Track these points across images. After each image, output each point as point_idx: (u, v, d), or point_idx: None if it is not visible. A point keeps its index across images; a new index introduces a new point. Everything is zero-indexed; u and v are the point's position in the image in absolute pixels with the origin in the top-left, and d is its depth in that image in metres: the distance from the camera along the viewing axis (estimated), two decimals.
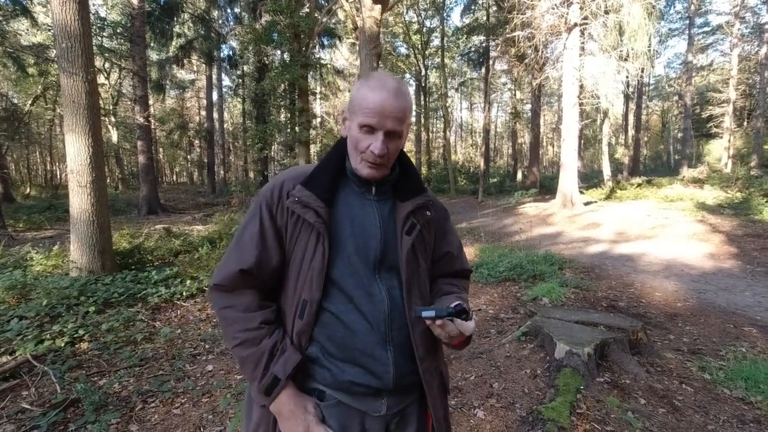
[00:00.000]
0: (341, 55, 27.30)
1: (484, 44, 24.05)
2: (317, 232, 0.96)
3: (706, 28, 26.70)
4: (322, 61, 18.24)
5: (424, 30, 26.59)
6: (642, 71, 12.66)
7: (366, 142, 0.96)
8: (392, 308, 0.98)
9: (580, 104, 13.06)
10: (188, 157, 33.46)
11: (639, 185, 15.43)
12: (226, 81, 29.37)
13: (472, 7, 25.05)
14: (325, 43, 20.34)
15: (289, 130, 14.43)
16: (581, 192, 13.95)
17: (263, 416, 0.99)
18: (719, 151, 22.95)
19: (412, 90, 36.23)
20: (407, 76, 29.92)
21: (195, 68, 28.96)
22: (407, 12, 25.70)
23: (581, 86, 12.78)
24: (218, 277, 0.99)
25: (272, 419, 0.98)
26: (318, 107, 23.65)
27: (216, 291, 1.00)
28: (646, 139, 36.35)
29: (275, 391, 0.93)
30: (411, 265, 1.02)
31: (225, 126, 30.38)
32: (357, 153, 0.99)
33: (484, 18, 23.16)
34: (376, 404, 0.98)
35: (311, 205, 0.96)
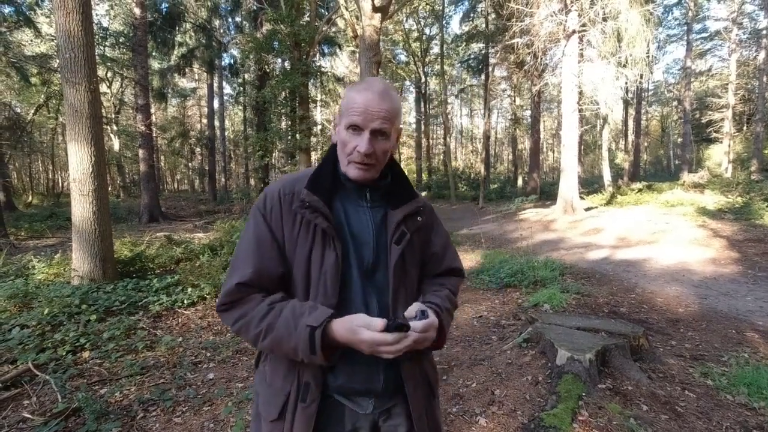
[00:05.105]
0: (342, 63, 27.45)
1: (483, 51, 24.20)
2: (323, 235, 0.97)
3: (704, 34, 26.90)
4: (323, 69, 18.35)
5: (423, 37, 26.82)
6: (641, 77, 12.71)
7: (353, 142, 0.97)
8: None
9: (580, 110, 13.11)
10: (189, 164, 33.56)
11: (639, 190, 15.41)
12: (227, 89, 29.61)
13: (471, 15, 25.29)
14: (326, 51, 20.49)
15: (289, 138, 14.52)
16: (582, 197, 13.97)
17: None
18: (719, 155, 22.98)
19: (411, 97, 36.49)
20: (407, 83, 30.08)
21: (196, 76, 29.23)
22: (407, 20, 25.92)
23: (580, 92, 12.85)
24: (220, 298, 0.98)
25: None
26: (319, 115, 23.74)
27: (221, 313, 0.98)
28: (646, 144, 36.41)
29: (316, 340, 0.87)
30: (399, 275, 1.03)
31: (226, 134, 30.52)
32: (345, 155, 1.00)
33: (483, 25, 23.36)
34: (364, 403, 1.02)
35: (321, 209, 0.97)
